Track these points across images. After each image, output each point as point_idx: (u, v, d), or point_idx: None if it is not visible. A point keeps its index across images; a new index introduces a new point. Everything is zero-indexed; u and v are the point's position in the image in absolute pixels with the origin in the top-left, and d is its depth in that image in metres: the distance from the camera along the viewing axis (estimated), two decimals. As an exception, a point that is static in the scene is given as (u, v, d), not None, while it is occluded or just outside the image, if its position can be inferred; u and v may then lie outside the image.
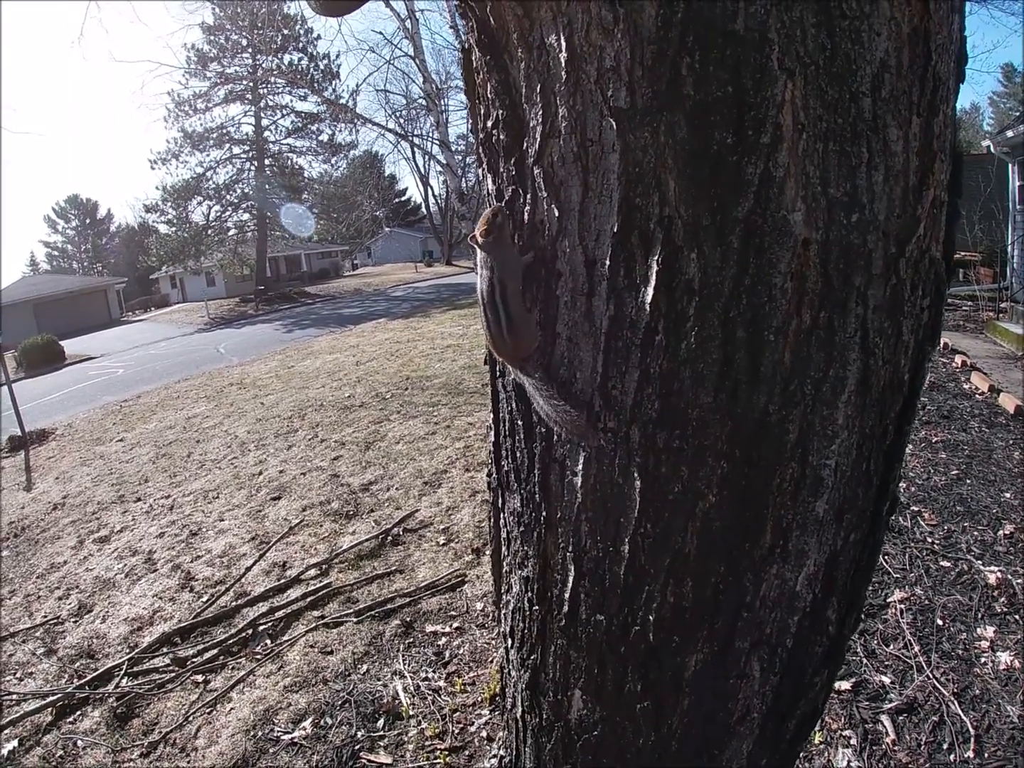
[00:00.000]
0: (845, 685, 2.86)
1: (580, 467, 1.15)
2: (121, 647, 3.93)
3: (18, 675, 3.82)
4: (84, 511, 6.71)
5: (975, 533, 4.06)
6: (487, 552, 4.25)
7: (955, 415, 6.31)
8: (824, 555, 1.14)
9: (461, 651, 3.38)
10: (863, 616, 3.17)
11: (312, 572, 4.39)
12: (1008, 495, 4.55)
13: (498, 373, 1.34)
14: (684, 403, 1.02)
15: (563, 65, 1.00)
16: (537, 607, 1.35)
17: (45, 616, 4.50)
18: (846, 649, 1.41)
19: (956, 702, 2.75)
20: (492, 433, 1.43)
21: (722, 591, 1.12)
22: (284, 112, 36.65)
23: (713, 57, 0.90)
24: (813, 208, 0.94)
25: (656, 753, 1.27)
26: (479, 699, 3.00)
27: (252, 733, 3.00)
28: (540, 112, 1.06)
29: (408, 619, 3.69)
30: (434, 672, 3.24)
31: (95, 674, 3.61)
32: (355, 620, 3.73)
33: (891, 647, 3.11)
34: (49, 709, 3.38)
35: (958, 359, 8.25)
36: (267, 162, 37.10)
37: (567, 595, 1.26)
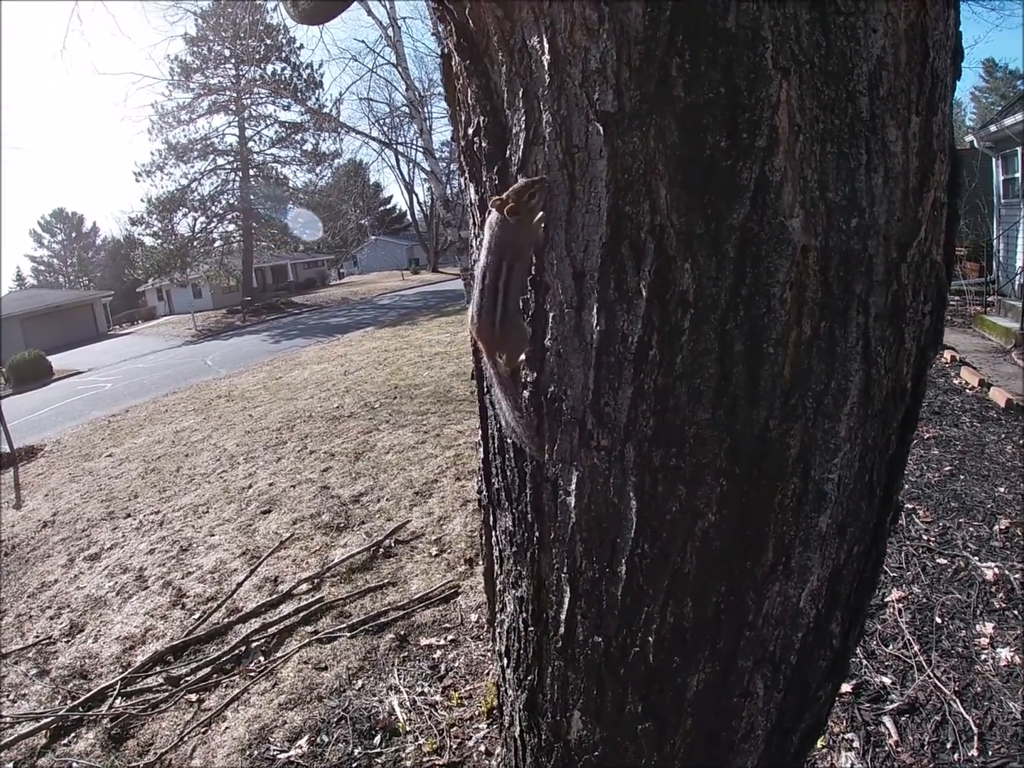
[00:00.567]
0: (846, 688, 2.84)
1: (573, 487, 1.11)
2: (114, 667, 3.87)
3: (11, 697, 3.77)
4: (74, 528, 6.64)
5: (970, 529, 4.05)
6: (480, 563, 4.21)
7: (946, 410, 6.33)
8: (827, 570, 1.11)
9: (456, 664, 3.34)
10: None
11: (304, 587, 4.34)
12: (1002, 489, 4.55)
13: (485, 389, 1.30)
14: (680, 420, 0.98)
15: (546, 68, 0.96)
16: (532, 628, 1.31)
17: (37, 636, 4.44)
18: (850, 661, 1.38)
19: (958, 700, 2.74)
20: (481, 450, 1.39)
21: (723, 610, 1.09)
22: (268, 122, 36.59)
23: (704, 57, 0.86)
24: (812, 213, 0.90)
25: (659, 773, 1.24)
26: (476, 712, 2.96)
27: (248, 752, 2.95)
28: (523, 118, 1.02)
29: (402, 632, 3.65)
30: (430, 686, 3.20)
31: (88, 695, 3.55)
32: (348, 635, 3.69)
33: (891, 647, 3.10)
34: (43, 731, 3.33)
35: (947, 354, 8.29)
36: (252, 172, 36.99)
37: (563, 616, 1.22)
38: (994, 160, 13.49)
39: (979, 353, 8.81)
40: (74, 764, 3.10)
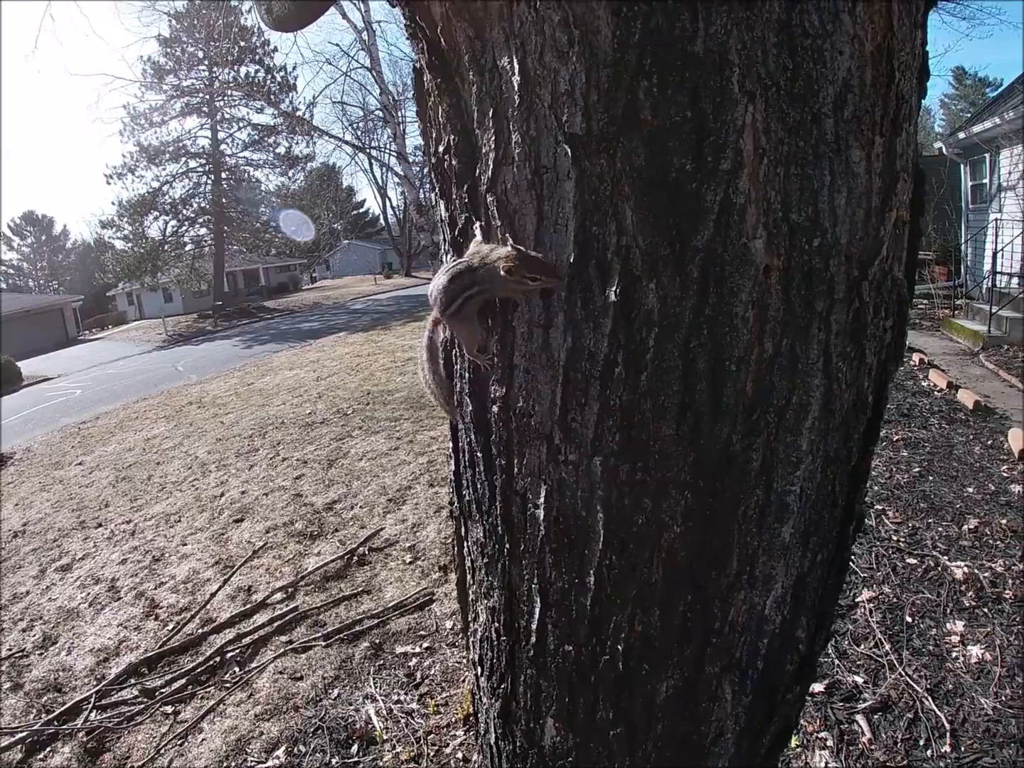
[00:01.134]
0: (818, 687, 2.89)
1: (542, 500, 1.12)
2: (88, 679, 3.83)
3: (-14, 711, 3.70)
4: (45, 538, 6.53)
5: (940, 529, 4.14)
6: (453, 570, 4.21)
7: (915, 412, 6.46)
8: (791, 578, 1.13)
9: (432, 671, 3.34)
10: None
11: (278, 596, 4.32)
12: (971, 490, 4.65)
13: (455, 403, 1.31)
14: (646, 435, 1.00)
15: (516, 89, 0.97)
16: (505, 637, 1.32)
17: (10, 649, 4.36)
18: (818, 664, 1.41)
19: (930, 698, 2.80)
20: (452, 462, 1.40)
21: (690, 619, 1.10)
22: (241, 125, 36.23)
23: (671, 80, 0.88)
24: (774, 234, 0.92)
25: (632, 777, 1.25)
26: (453, 719, 2.97)
27: (225, 764, 2.94)
28: (493, 138, 1.03)
29: (377, 641, 3.65)
30: (406, 694, 3.20)
31: (63, 708, 3.51)
32: (324, 644, 3.68)
33: (862, 646, 3.15)
34: (19, 746, 3.29)
35: (916, 357, 8.44)
36: (224, 175, 36.62)
37: (534, 626, 1.23)
38: (962, 166, 13.79)
39: (947, 356, 8.99)
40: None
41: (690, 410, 0.98)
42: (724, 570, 1.07)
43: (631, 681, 1.17)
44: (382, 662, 3.47)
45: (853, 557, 3.83)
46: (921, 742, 2.60)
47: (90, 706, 3.49)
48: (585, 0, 0.88)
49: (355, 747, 2.92)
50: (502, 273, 1.02)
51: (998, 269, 10.93)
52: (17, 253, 74.12)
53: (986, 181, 12.58)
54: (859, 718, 2.73)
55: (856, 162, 0.94)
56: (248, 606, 4.22)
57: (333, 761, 2.85)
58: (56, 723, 3.41)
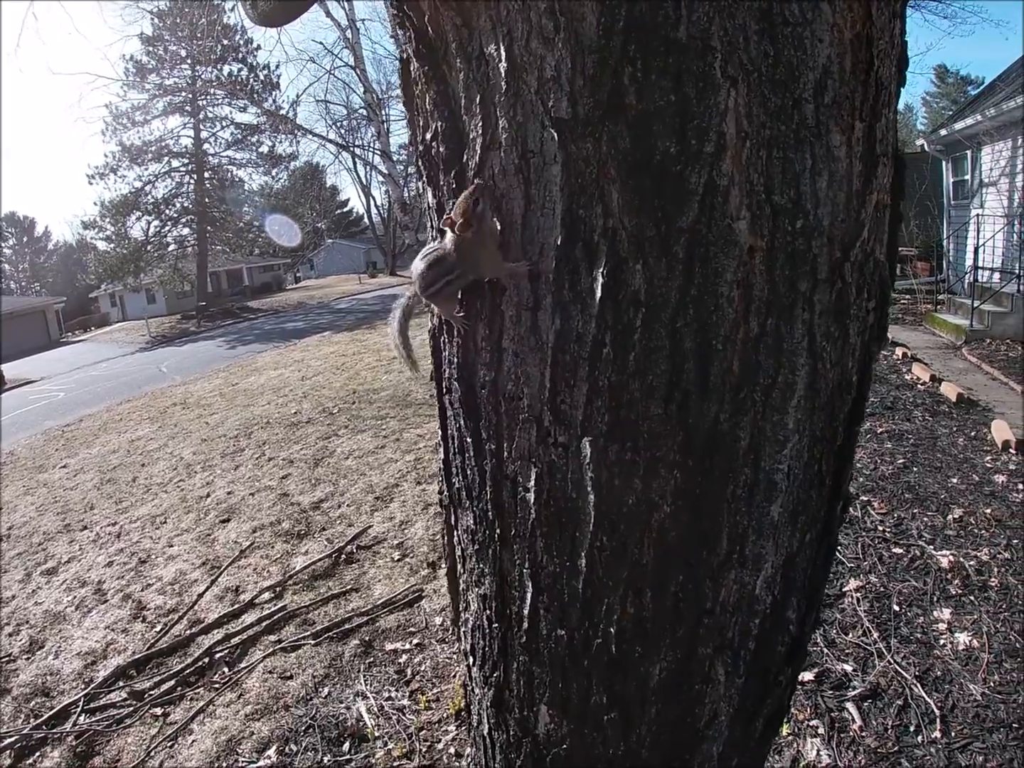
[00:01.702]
0: (808, 676, 2.91)
1: (532, 483, 1.13)
2: (76, 683, 3.78)
3: (-27, 718, 3.65)
4: (30, 542, 6.44)
5: (925, 519, 4.18)
6: (443, 566, 4.21)
7: (898, 405, 6.52)
8: (781, 557, 1.14)
9: (423, 667, 3.34)
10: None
11: (266, 595, 4.29)
12: (955, 480, 4.70)
13: (444, 390, 1.32)
14: (634, 415, 1.01)
15: (503, 75, 0.98)
16: (497, 624, 1.33)
17: (-4, 654, 4.30)
18: (808, 646, 1.42)
19: (919, 685, 2.82)
20: (441, 450, 1.41)
21: (682, 599, 1.12)
22: (224, 124, 35.98)
23: (655, 66, 0.89)
24: (758, 216, 0.94)
25: (627, 762, 1.26)
26: (444, 715, 2.96)
27: (216, 765, 2.91)
28: (480, 124, 1.04)
29: (367, 638, 3.64)
30: (397, 691, 3.19)
31: (52, 712, 3.46)
32: (313, 642, 3.66)
33: (850, 635, 3.17)
34: (8, 752, 3.24)
35: (899, 351, 8.52)
36: (207, 175, 36.37)
37: (526, 611, 1.24)
38: (944, 163, 13.93)
39: (930, 350, 9.07)
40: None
41: (678, 389, 0.99)
42: (715, 550, 1.08)
43: (624, 664, 1.17)
44: (372, 659, 3.46)
45: (840, 547, 3.87)
46: (911, 728, 2.62)
47: (79, 710, 3.44)
48: None
49: (347, 745, 2.90)
50: (462, 233, 1.03)
51: (980, 264, 11.04)
52: (-2, 255, 73.40)
53: (968, 177, 12.72)
54: (849, 706, 2.75)
55: (837, 146, 0.95)
56: (236, 606, 4.19)
57: (325, 759, 2.84)
58: (45, 727, 3.37)
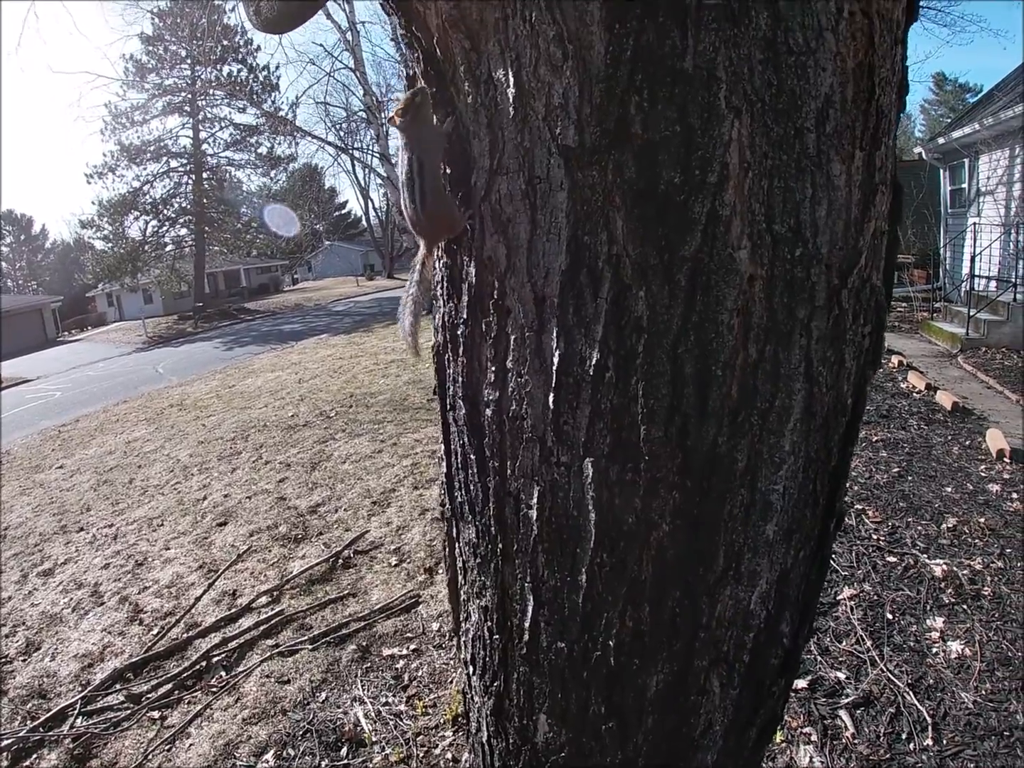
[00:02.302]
0: (802, 683, 2.93)
1: (535, 500, 1.15)
2: (73, 685, 3.77)
3: (-31, 719, 3.65)
4: (26, 543, 6.43)
5: (919, 528, 4.20)
6: (440, 571, 4.23)
7: (894, 414, 6.55)
8: (775, 574, 1.16)
9: (420, 673, 3.35)
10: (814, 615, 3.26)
11: (263, 600, 4.30)
12: (949, 489, 4.73)
13: (448, 407, 1.33)
14: (635, 437, 1.03)
15: (511, 101, 0.99)
16: (498, 636, 1.35)
17: (-8, 655, 4.29)
18: (801, 658, 1.45)
19: (911, 693, 2.84)
20: (444, 464, 1.42)
21: (679, 614, 1.14)
22: (223, 124, 35.91)
23: (661, 96, 0.90)
24: (758, 244, 0.95)
25: (624, 771, 1.28)
26: (441, 721, 2.98)
27: (214, 768, 2.92)
28: (487, 148, 1.06)
29: (364, 643, 3.64)
30: (394, 696, 3.20)
31: (49, 715, 3.45)
32: (310, 647, 3.66)
33: (844, 643, 3.19)
34: (4, 754, 3.23)
35: (895, 359, 8.55)
36: (205, 175, 36.32)
37: (527, 624, 1.26)
38: (942, 171, 14.00)
39: (926, 358, 9.12)
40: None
41: (678, 413, 1.01)
42: (711, 567, 1.10)
43: (622, 676, 1.19)
44: (369, 665, 3.47)
45: (834, 556, 3.89)
46: (904, 736, 2.64)
47: (76, 712, 3.44)
48: (579, 16, 0.91)
49: (344, 750, 2.92)
50: (401, 121, 1.15)
51: (976, 272, 11.11)
52: (-5, 252, 73.20)
53: (965, 186, 12.79)
54: (842, 713, 2.77)
55: (837, 175, 0.97)
56: (233, 610, 4.20)
57: (323, 764, 2.85)
58: (42, 730, 3.37)
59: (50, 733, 3.33)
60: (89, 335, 39.64)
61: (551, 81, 0.95)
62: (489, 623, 1.36)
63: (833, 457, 1.15)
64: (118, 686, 3.64)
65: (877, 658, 3.06)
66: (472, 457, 1.25)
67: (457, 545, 1.46)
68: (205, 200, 36.09)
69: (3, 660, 4.21)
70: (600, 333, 1.00)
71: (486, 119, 1.05)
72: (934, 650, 3.09)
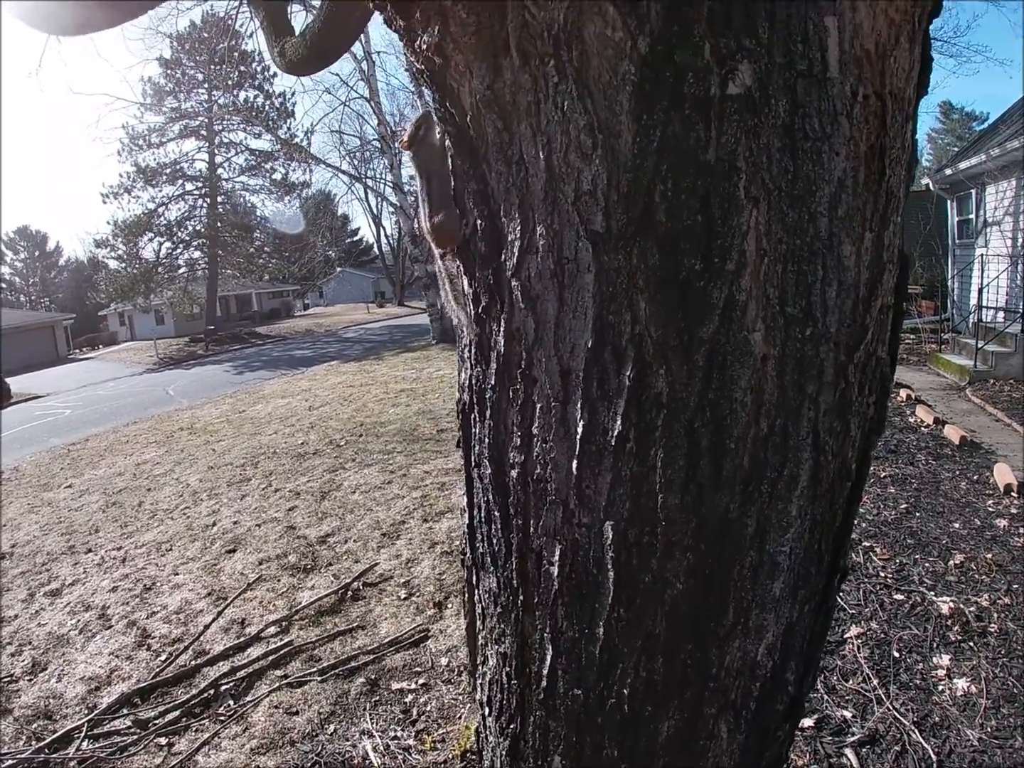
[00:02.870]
0: (808, 722, 2.93)
1: (556, 558, 1.20)
2: (79, 708, 3.79)
3: (-26, 738, 3.67)
4: (34, 562, 6.47)
5: (926, 565, 4.22)
6: (449, 606, 4.25)
7: (902, 449, 6.57)
8: (782, 627, 1.21)
9: (428, 708, 3.37)
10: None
11: (272, 629, 4.32)
12: (957, 525, 4.74)
13: (473, 464, 1.39)
14: (653, 503, 1.08)
15: (542, 184, 1.04)
16: (516, 681, 1.39)
17: (-2, 673, 4.33)
18: (805, 703, 1.49)
19: (917, 731, 2.84)
20: (466, 516, 1.48)
21: (690, 665, 1.18)
22: (238, 149, 36.51)
23: (685, 186, 0.94)
24: (772, 327, 1.00)
25: (635, 811, 1.32)
26: (450, 756, 2.99)
27: (221, 798, 2.94)
28: (518, 228, 1.10)
29: (373, 676, 3.66)
30: (403, 730, 3.22)
31: (55, 736, 3.47)
32: (319, 679, 3.69)
33: (850, 682, 3.20)
34: (9, 775, 3.27)
35: (903, 393, 8.55)
36: (220, 199, 36.79)
37: (545, 671, 1.30)
38: (949, 202, 14.05)
39: (934, 391, 9.13)
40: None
41: (693, 482, 1.07)
42: (721, 621, 1.15)
43: (635, 722, 1.24)
44: (378, 698, 3.49)
45: (841, 594, 3.91)
46: (908, 774, 2.66)
47: (82, 735, 3.45)
48: (609, 106, 0.96)
49: (353, 781, 2.95)
50: (410, 148, 1.38)
51: (984, 304, 11.12)
52: (10, 268, 73.86)
53: (972, 216, 12.83)
54: (848, 751, 2.78)
55: (847, 256, 1.01)
56: (242, 639, 4.22)
57: (331, 795, 2.88)
58: (47, 751, 3.38)
59: (55, 755, 3.35)
60: (100, 353, 39.89)
61: (580, 167, 1.00)
62: (508, 668, 1.40)
63: (838, 519, 1.20)
64: (125, 711, 3.66)
65: (883, 696, 3.07)
66: (496, 513, 1.31)
67: (477, 592, 1.51)
68: (219, 223, 36.54)
69: (9, 678, 4.23)
70: (622, 407, 1.06)
71: (517, 199, 1.09)
72: (940, 688, 3.10)
